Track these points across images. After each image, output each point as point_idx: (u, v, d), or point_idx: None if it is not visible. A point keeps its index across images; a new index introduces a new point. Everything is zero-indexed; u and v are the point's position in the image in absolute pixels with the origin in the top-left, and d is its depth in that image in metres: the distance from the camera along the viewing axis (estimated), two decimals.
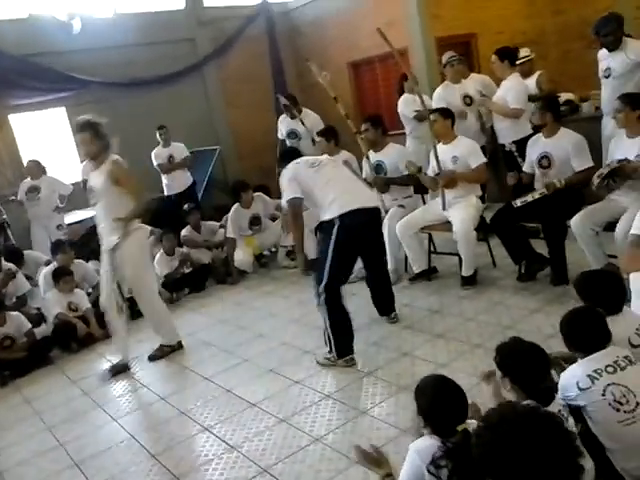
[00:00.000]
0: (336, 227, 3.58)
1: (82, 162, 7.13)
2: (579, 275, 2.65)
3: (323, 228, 3.76)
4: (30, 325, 4.86)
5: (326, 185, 3.72)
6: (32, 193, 6.72)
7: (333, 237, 3.57)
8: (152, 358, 4.39)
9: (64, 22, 7.62)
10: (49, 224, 6.75)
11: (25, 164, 7.10)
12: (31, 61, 7.41)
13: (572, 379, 2.09)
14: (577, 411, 2.05)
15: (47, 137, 7.98)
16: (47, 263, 5.72)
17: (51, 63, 7.50)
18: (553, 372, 2.18)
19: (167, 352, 4.42)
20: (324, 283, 3.55)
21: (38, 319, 5.20)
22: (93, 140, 4.09)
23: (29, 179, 6.84)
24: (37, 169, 6.82)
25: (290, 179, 3.78)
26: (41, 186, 6.75)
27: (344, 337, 3.62)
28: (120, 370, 4.27)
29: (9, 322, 4.73)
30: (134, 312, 4.93)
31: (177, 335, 4.51)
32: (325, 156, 4.26)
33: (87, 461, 3.14)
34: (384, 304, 4.20)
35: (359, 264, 4.29)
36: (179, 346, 4.48)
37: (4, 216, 6.25)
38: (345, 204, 3.61)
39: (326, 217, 3.68)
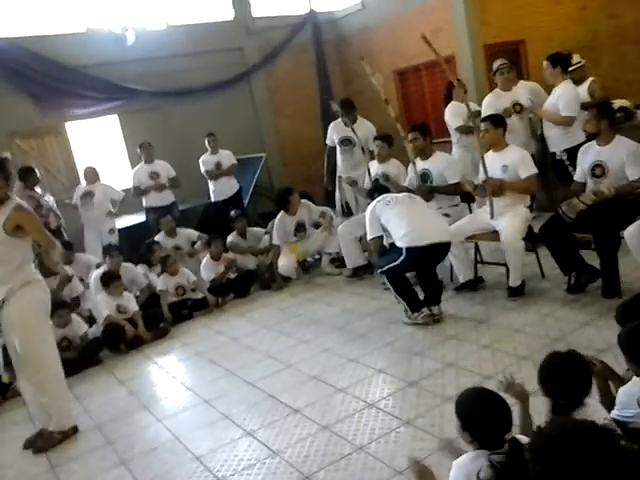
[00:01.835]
0: (404, 254, 4.15)
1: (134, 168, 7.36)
2: (620, 305, 2.45)
3: (394, 246, 4.33)
4: (86, 328, 5.02)
5: (400, 222, 4.23)
6: (86, 198, 6.96)
7: (402, 257, 4.16)
8: (37, 451, 3.52)
9: (119, 35, 7.92)
10: (102, 228, 6.98)
11: (80, 170, 7.40)
12: (87, 72, 7.72)
13: (632, 396, 2.00)
14: (632, 432, 1.97)
15: (99, 144, 8.26)
16: (98, 266, 5.92)
17: (106, 74, 7.81)
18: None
19: (57, 441, 3.55)
20: (387, 274, 4.30)
21: (90, 321, 5.37)
22: (2, 182, 3.33)
23: (84, 184, 7.10)
24: (93, 175, 7.07)
25: (370, 218, 4.40)
26: (95, 191, 6.99)
27: (410, 296, 4.31)
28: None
29: (70, 325, 4.88)
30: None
31: (72, 418, 3.68)
32: (401, 194, 4.59)
33: (134, 460, 3.21)
34: (431, 292, 4.36)
35: None
36: (73, 431, 3.63)
37: (61, 220, 6.49)
38: (413, 240, 4.13)
39: (397, 243, 4.25)
